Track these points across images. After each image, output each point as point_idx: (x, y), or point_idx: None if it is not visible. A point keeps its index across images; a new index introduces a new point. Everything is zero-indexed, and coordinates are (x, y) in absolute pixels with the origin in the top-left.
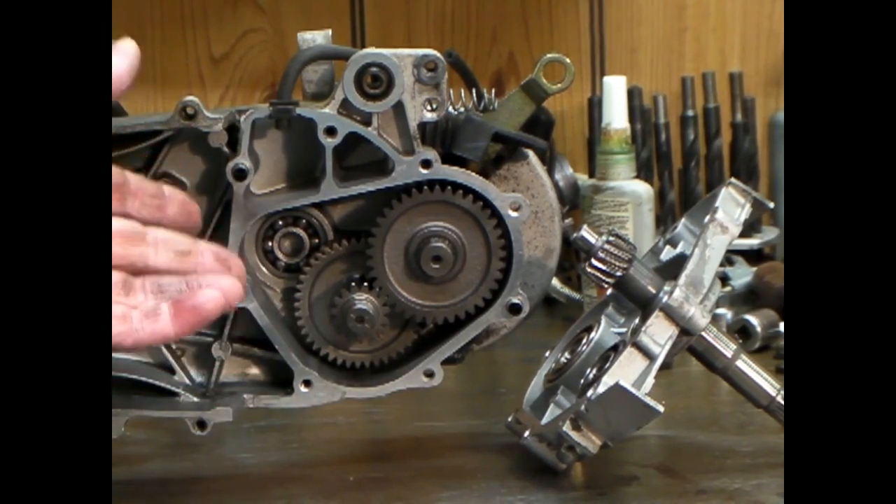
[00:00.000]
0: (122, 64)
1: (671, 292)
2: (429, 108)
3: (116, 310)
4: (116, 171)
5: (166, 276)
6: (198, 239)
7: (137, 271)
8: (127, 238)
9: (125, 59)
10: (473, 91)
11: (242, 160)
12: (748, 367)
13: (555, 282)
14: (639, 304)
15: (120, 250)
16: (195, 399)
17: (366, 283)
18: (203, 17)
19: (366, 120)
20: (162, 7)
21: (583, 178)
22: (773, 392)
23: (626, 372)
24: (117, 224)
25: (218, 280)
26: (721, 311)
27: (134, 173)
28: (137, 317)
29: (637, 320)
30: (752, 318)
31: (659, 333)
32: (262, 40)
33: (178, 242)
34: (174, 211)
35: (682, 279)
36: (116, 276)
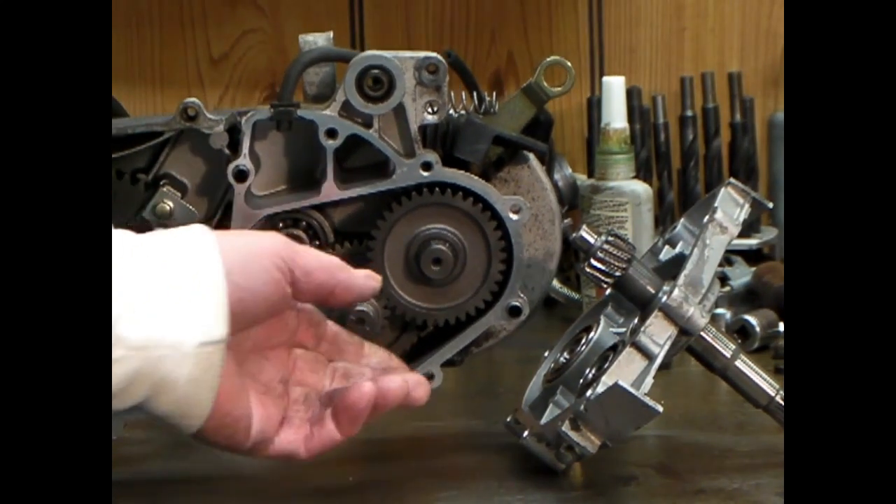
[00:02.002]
0: (366, 286)
1: (670, 292)
2: (430, 110)
3: (294, 421)
4: (316, 314)
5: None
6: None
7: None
8: (308, 364)
9: (372, 282)
10: (474, 93)
11: (243, 161)
12: (747, 367)
13: (554, 282)
14: (638, 304)
15: (299, 374)
16: None
17: None
18: (202, 18)
19: (367, 122)
20: (161, 7)
21: (582, 179)
22: (771, 392)
23: (625, 372)
24: (301, 351)
25: (379, 377)
26: (720, 311)
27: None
28: (308, 428)
29: (636, 320)
30: (751, 318)
31: (658, 333)
32: (262, 41)
33: (356, 373)
34: (376, 362)
35: (682, 279)
36: (299, 392)
